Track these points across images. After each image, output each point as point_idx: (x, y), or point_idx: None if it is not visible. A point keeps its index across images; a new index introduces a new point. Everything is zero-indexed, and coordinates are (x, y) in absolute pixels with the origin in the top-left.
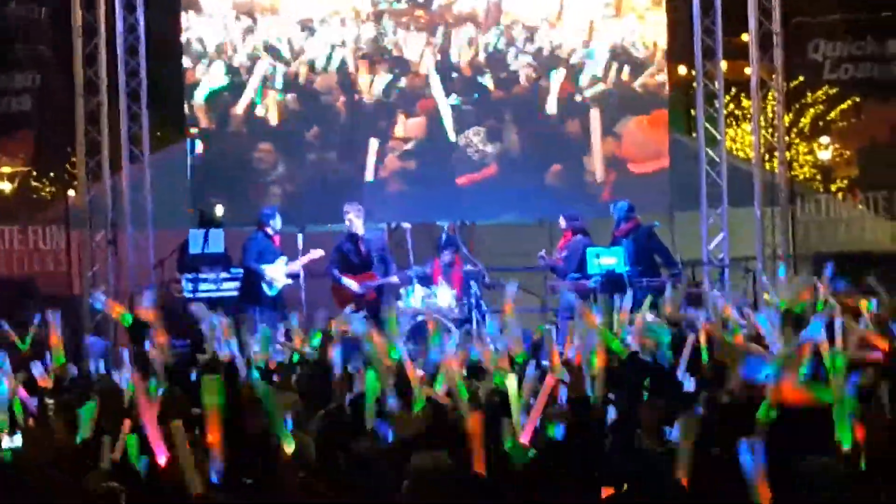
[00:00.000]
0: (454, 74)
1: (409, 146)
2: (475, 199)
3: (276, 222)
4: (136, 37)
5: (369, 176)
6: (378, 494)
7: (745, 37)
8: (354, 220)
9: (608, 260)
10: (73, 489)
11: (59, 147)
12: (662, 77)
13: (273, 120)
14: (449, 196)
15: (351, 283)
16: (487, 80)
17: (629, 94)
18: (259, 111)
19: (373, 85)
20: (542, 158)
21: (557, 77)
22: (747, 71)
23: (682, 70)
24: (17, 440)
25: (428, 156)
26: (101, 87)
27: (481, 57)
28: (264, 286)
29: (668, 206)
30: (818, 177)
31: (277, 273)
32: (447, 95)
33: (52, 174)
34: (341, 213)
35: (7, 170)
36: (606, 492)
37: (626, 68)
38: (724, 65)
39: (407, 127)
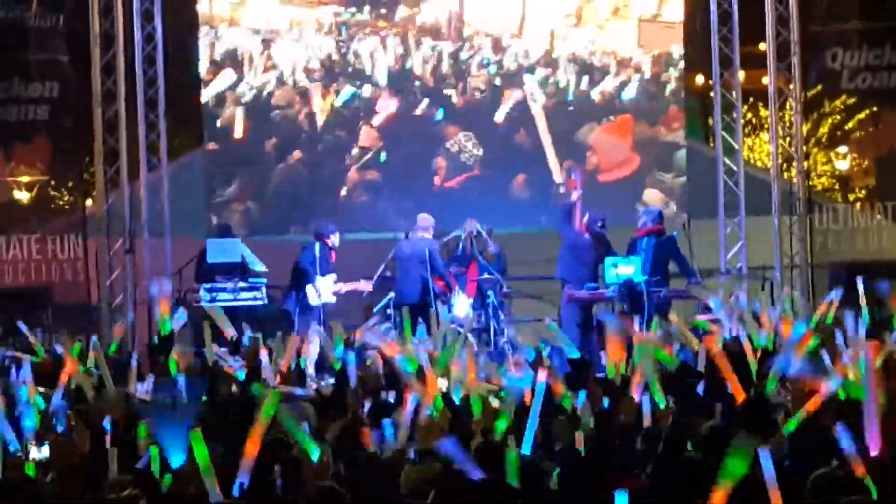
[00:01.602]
0: (417, 85)
1: (369, 157)
2: (445, 208)
3: (336, 237)
4: (153, 46)
5: (342, 189)
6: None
7: (762, 46)
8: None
9: (626, 269)
10: (95, 498)
11: (76, 156)
12: (618, 80)
13: (238, 133)
14: (416, 206)
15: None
16: (450, 91)
17: (587, 103)
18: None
19: (335, 96)
20: (507, 168)
21: (518, 87)
22: (765, 80)
23: (699, 79)
24: (45, 451)
25: (392, 166)
26: (119, 96)
27: (444, 68)
28: (310, 296)
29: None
30: (836, 186)
31: (325, 286)
32: (411, 106)
33: (69, 183)
34: (309, 224)
35: (25, 179)
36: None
37: (585, 78)
38: (741, 74)
39: (370, 137)
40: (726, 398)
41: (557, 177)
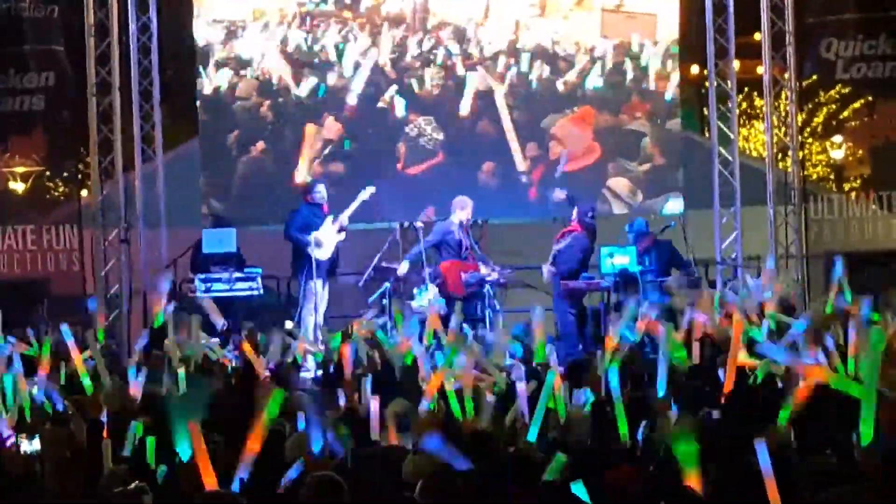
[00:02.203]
0: (382, 75)
1: (331, 148)
2: (409, 198)
3: (320, 189)
4: (148, 36)
5: (300, 179)
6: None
7: (757, 36)
8: (459, 213)
9: (621, 259)
10: (90, 491)
11: (71, 147)
12: (581, 70)
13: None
14: (381, 196)
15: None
16: (414, 81)
17: (552, 93)
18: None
19: (299, 87)
20: (471, 156)
21: (483, 76)
22: (760, 70)
23: (694, 69)
24: (36, 444)
25: (357, 158)
26: (114, 87)
27: (408, 58)
28: (315, 253)
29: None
30: (831, 176)
31: (324, 235)
32: (375, 96)
33: (64, 174)
34: (274, 215)
35: (20, 169)
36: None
37: (547, 68)
38: (736, 64)
39: (334, 129)
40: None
41: (521, 166)
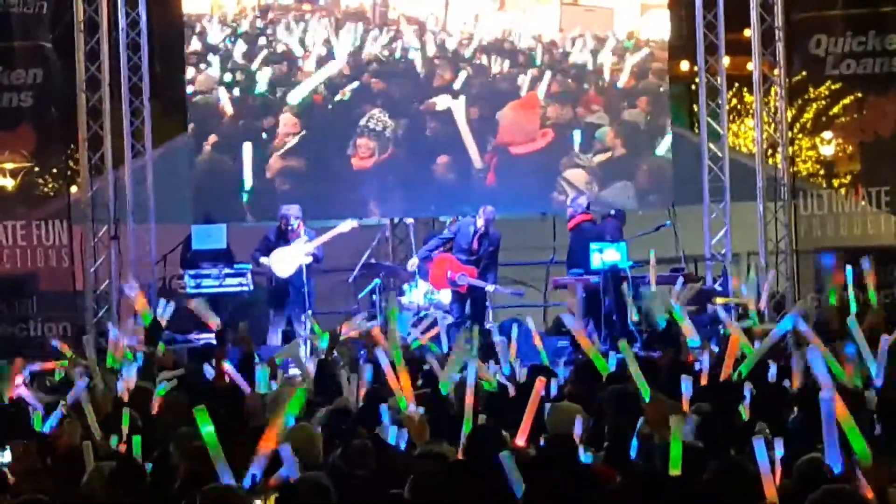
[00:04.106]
0: (341, 69)
1: (292, 143)
2: (366, 192)
3: (294, 210)
4: (137, 32)
5: (248, 175)
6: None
7: (747, 32)
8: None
9: (611, 255)
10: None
11: (61, 142)
12: (541, 63)
13: None
14: (339, 192)
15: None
16: (374, 75)
17: (511, 86)
18: None
19: (257, 81)
20: (430, 149)
21: (444, 69)
22: (749, 67)
23: (684, 65)
24: (7, 456)
25: (315, 152)
26: (103, 83)
27: (368, 52)
28: (276, 271)
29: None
30: (821, 172)
31: (290, 254)
32: (335, 90)
33: (54, 170)
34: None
35: (9, 166)
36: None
37: (506, 62)
38: (726, 60)
39: (290, 123)
40: None
41: (478, 163)
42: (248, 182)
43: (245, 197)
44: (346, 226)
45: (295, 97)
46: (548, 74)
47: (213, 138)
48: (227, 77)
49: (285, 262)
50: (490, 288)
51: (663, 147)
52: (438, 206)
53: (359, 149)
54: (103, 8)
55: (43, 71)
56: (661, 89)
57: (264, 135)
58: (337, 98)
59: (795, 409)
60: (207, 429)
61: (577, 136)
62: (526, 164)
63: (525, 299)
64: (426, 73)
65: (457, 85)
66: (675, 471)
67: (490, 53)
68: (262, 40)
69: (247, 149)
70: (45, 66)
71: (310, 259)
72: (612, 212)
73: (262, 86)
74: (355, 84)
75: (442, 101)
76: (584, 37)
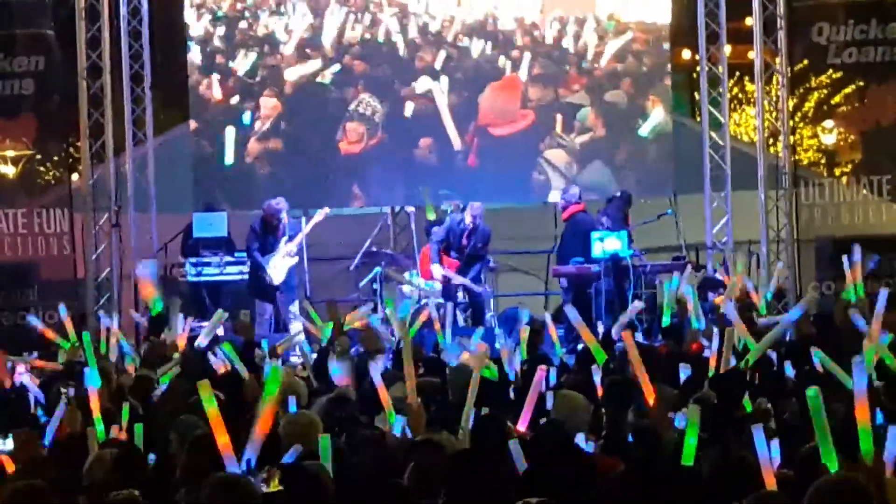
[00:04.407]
0: (323, 52)
1: (269, 126)
2: (349, 176)
3: (283, 217)
4: (139, 20)
5: (229, 159)
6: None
7: (748, 21)
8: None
9: (612, 244)
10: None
11: (62, 130)
12: (522, 45)
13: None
14: (315, 179)
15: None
16: (356, 57)
17: (492, 69)
18: None
19: (237, 64)
20: (412, 132)
21: (426, 51)
22: (751, 55)
23: (686, 54)
24: (9, 443)
25: (295, 134)
26: (105, 70)
27: (350, 35)
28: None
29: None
30: (822, 161)
31: (277, 261)
32: (317, 73)
33: (55, 157)
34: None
35: (11, 153)
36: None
37: (489, 44)
38: (727, 49)
39: (272, 107)
40: None
41: (457, 144)
42: (229, 165)
43: (223, 183)
44: (320, 215)
45: (277, 81)
46: (529, 56)
47: (192, 124)
48: (207, 62)
49: (278, 268)
50: (458, 280)
51: (647, 128)
52: (420, 200)
53: (348, 133)
54: None
55: (44, 58)
56: (644, 70)
57: (245, 118)
58: (319, 80)
59: (794, 398)
60: (211, 406)
61: (559, 117)
62: (507, 145)
63: (526, 288)
64: (408, 55)
65: (438, 67)
66: (688, 462)
67: (472, 36)
68: (242, 24)
69: (229, 133)
70: (46, 54)
71: (295, 259)
72: (618, 193)
73: (242, 69)
74: (336, 67)
75: (423, 84)
76: (566, 18)
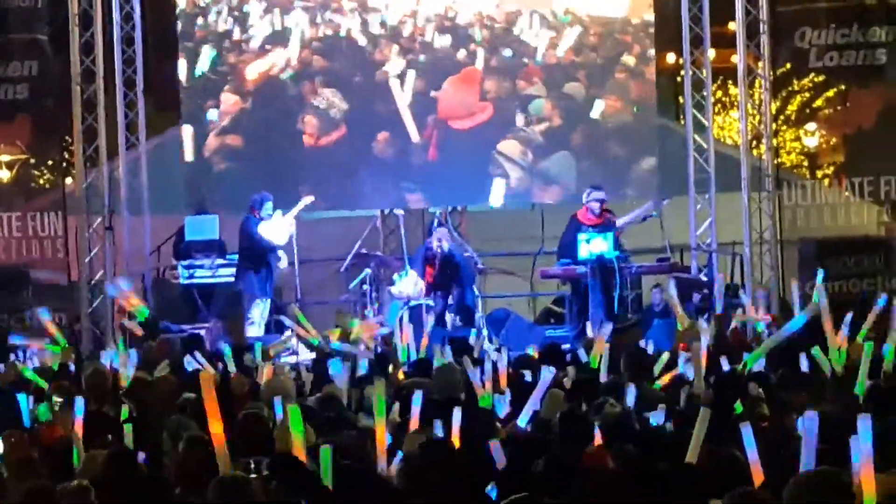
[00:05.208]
0: (284, 47)
1: (229, 122)
2: (313, 172)
3: (267, 207)
4: (132, 26)
5: (189, 156)
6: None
7: (732, 25)
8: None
9: (599, 245)
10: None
11: (56, 134)
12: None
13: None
14: (278, 174)
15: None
16: (316, 52)
17: (452, 62)
18: None
19: (200, 60)
20: (371, 126)
21: (385, 46)
22: (734, 59)
23: (670, 58)
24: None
25: (255, 130)
26: (98, 76)
27: (310, 30)
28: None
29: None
30: (805, 163)
31: (275, 233)
32: (277, 69)
33: (49, 161)
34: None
35: (5, 157)
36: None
37: (448, 37)
38: (711, 53)
39: (230, 102)
40: None
41: (415, 137)
42: (188, 163)
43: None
44: (307, 200)
45: (238, 77)
46: (487, 49)
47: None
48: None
49: (275, 230)
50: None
51: (597, 111)
52: (381, 192)
53: (309, 126)
54: (98, 1)
55: (38, 63)
56: (599, 62)
57: (206, 116)
58: (279, 76)
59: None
60: (209, 398)
61: (517, 110)
62: (467, 138)
63: (513, 289)
64: (368, 49)
65: (398, 61)
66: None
67: (432, 30)
68: (199, 21)
69: (186, 131)
70: (40, 59)
71: (293, 228)
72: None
73: (203, 66)
74: (296, 62)
75: (383, 78)
76: (522, 12)
